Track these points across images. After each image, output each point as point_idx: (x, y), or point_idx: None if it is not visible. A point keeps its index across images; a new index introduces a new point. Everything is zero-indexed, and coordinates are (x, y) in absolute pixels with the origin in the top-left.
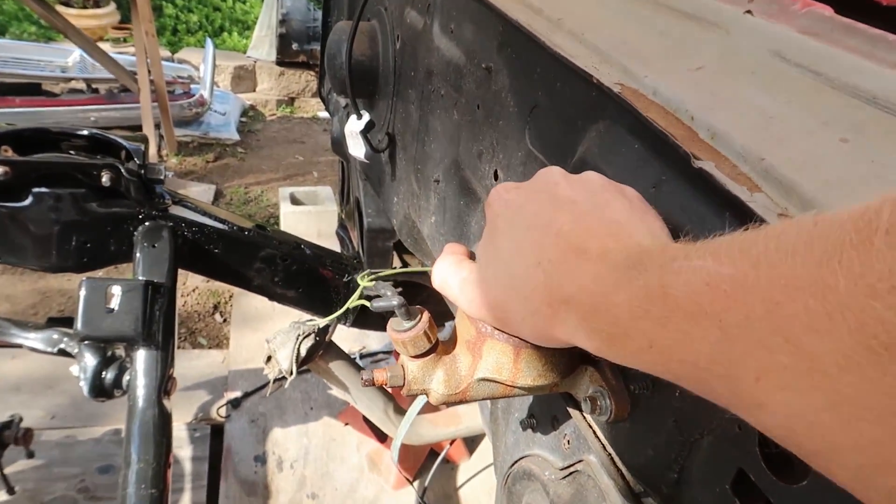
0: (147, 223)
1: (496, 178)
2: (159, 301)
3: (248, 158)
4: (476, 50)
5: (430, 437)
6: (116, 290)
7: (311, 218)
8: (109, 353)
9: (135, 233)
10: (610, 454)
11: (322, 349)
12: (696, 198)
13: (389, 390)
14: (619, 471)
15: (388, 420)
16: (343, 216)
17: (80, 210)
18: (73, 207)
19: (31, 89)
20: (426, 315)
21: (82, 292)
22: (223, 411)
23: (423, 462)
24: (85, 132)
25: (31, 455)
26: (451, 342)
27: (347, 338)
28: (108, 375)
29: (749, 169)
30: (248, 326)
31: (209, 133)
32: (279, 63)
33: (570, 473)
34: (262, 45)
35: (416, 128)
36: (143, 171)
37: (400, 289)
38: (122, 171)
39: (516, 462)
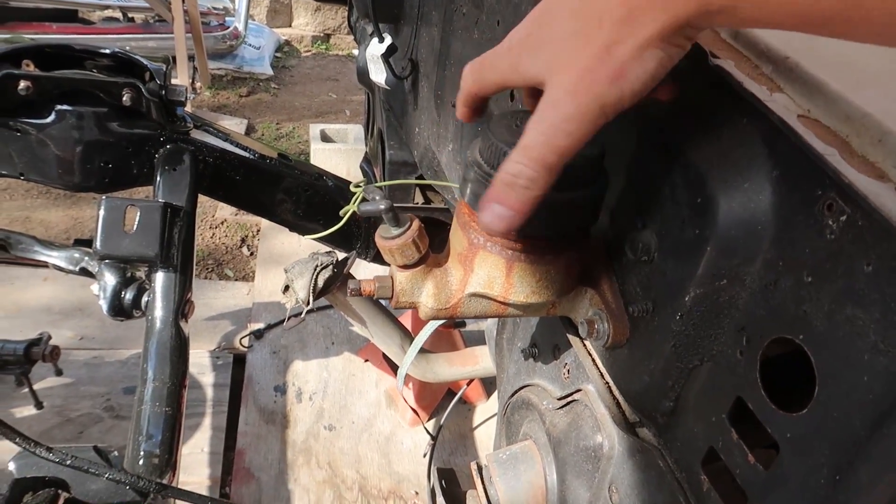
0: (168, 146)
1: (511, 98)
2: (178, 224)
3: (280, 94)
4: None
5: (445, 375)
6: (135, 211)
7: (340, 155)
8: (129, 274)
9: (156, 155)
10: (607, 382)
11: (340, 281)
12: (713, 103)
13: (409, 327)
14: (615, 400)
15: (402, 355)
16: (368, 150)
17: (101, 129)
18: (95, 126)
19: (67, 16)
20: (416, 223)
21: (101, 211)
22: (246, 341)
23: (439, 401)
24: (107, 51)
25: (59, 373)
26: (444, 255)
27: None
28: (127, 296)
29: (771, 70)
30: (274, 261)
31: (243, 67)
32: None
33: (568, 403)
34: None
35: (438, 51)
36: (163, 92)
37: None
38: (143, 90)
39: (516, 392)
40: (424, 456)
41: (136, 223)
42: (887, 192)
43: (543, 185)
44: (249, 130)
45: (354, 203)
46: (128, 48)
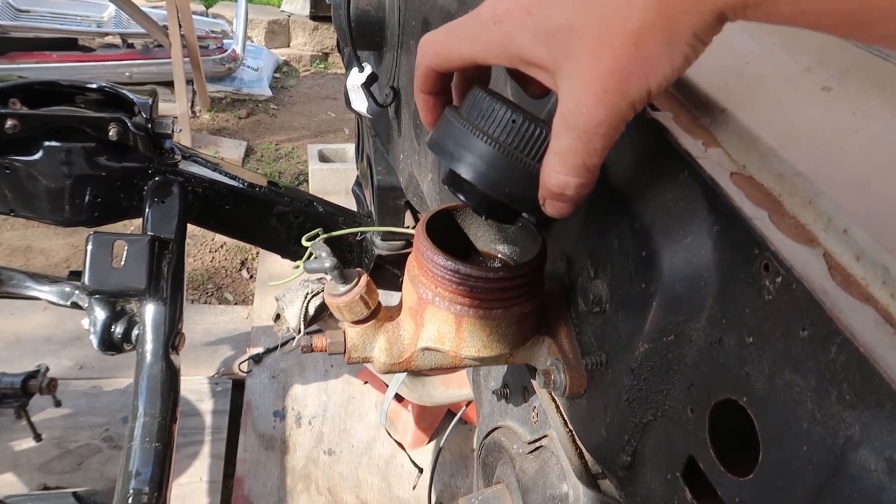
0: (157, 178)
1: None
2: (166, 256)
3: (280, 115)
4: None
5: (442, 398)
6: (123, 246)
7: (338, 175)
8: (119, 308)
9: (145, 188)
10: (570, 431)
11: None
12: (655, 153)
13: None
14: (578, 450)
15: (398, 378)
16: (359, 173)
17: (90, 164)
18: (84, 161)
19: (67, 44)
20: (364, 279)
21: (89, 247)
22: (245, 366)
23: (439, 423)
24: (94, 85)
25: (58, 404)
26: (397, 308)
27: None
28: (118, 329)
29: (709, 121)
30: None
31: (242, 89)
32: (313, 17)
33: (537, 448)
34: None
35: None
36: (150, 126)
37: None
38: (129, 125)
39: (490, 433)
40: (414, 489)
41: (124, 257)
42: (815, 258)
43: (592, 184)
44: (249, 152)
45: (304, 260)
46: (127, 74)
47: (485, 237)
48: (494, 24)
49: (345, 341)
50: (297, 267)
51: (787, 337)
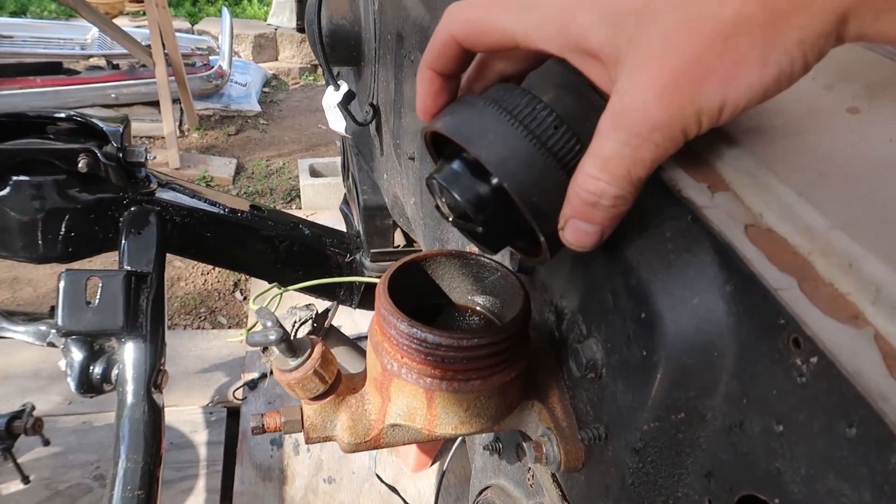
0: (133, 208)
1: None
2: (144, 290)
3: (270, 130)
4: (437, 8)
5: None
6: (97, 282)
7: (331, 190)
8: (97, 347)
9: (120, 219)
10: None
11: (320, 335)
12: (653, 194)
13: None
14: None
15: None
16: (346, 192)
17: (62, 197)
18: (55, 195)
19: (51, 68)
20: (318, 350)
21: (61, 285)
22: (240, 393)
23: (442, 444)
24: (63, 114)
25: (46, 443)
26: (361, 378)
27: (368, 315)
28: (96, 370)
29: (715, 156)
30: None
31: (230, 105)
32: (299, 29)
33: None
34: (282, 11)
35: (393, 98)
36: (121, 155)
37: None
38: (99, 155)
39: (482, 491)
40: None
41: (99, 295)
42: (864, 343)
43: (632, 201)
44: (239, 170)
45: (248, 329)
46: (114, 95)
47: (460, 288)
48: None
49: (302, 420)
50: (242, 336)
51: (829, 433)
